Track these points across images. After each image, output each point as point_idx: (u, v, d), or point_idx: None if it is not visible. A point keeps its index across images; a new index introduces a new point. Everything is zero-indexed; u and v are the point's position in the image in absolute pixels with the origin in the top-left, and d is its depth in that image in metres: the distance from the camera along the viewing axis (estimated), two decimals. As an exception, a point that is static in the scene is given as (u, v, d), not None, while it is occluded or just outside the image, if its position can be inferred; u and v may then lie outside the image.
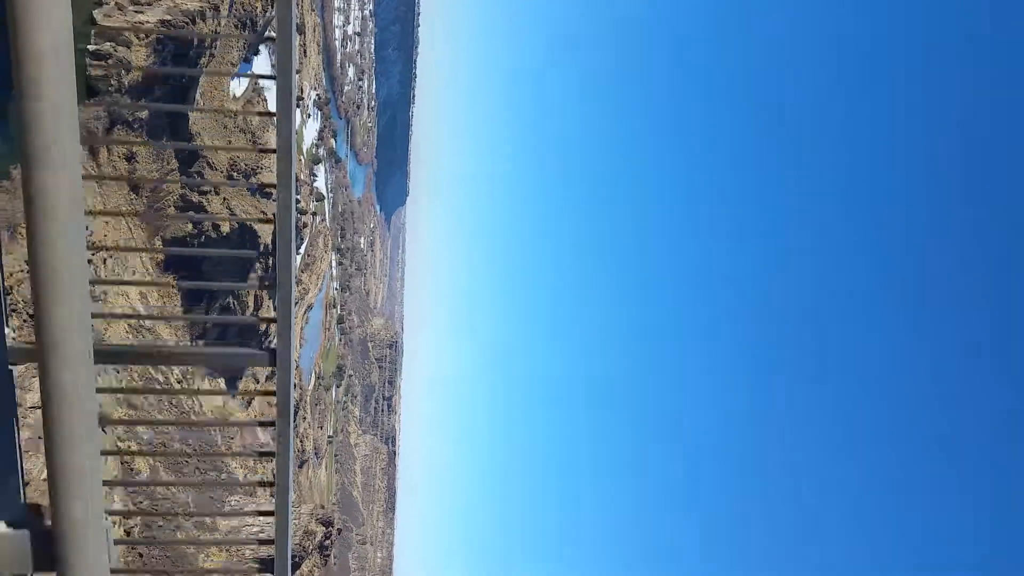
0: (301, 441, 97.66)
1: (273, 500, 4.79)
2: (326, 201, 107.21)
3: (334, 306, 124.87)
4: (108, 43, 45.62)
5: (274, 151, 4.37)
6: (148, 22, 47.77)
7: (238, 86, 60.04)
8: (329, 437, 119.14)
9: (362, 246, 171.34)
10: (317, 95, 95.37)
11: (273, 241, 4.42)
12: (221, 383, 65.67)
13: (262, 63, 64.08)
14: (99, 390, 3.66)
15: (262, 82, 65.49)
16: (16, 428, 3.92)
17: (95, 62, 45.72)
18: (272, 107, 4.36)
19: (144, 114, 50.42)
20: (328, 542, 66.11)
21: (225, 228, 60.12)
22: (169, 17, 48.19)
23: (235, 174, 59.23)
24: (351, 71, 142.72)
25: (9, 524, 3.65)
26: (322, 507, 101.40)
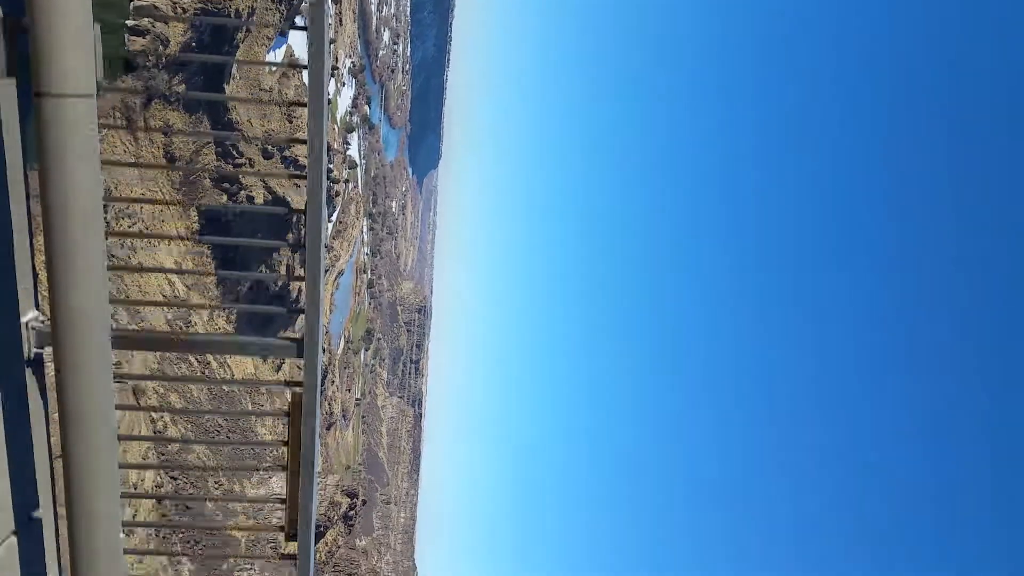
0: (329, 404, 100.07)
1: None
2: (359, 168, 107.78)
3: (364, 271, 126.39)
4: (146, 19, 46.12)
5: (304, 142, 4.33)
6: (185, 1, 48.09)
7: (275, 57, 60.32)
8: (357, 399, 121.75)
9: (394, 210, 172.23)
10: (352, 63, 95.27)
11: (305, 211, 4.38)
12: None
13: (298, 38, 64.13)
14: (117, 376, 3.68)
15: (298, 52, 65.63)
16: (46, 406, 3.79)
17: (133, 37, 46.33)
18: (304, 76, 4.31)
19: (181, 88, 51.12)
20: (353, 512, 68.25)
21: (259, 199, 61.06)
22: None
23: (269, 147, 59.92)
24: (386, 35, 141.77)
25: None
26: (348, 467, 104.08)
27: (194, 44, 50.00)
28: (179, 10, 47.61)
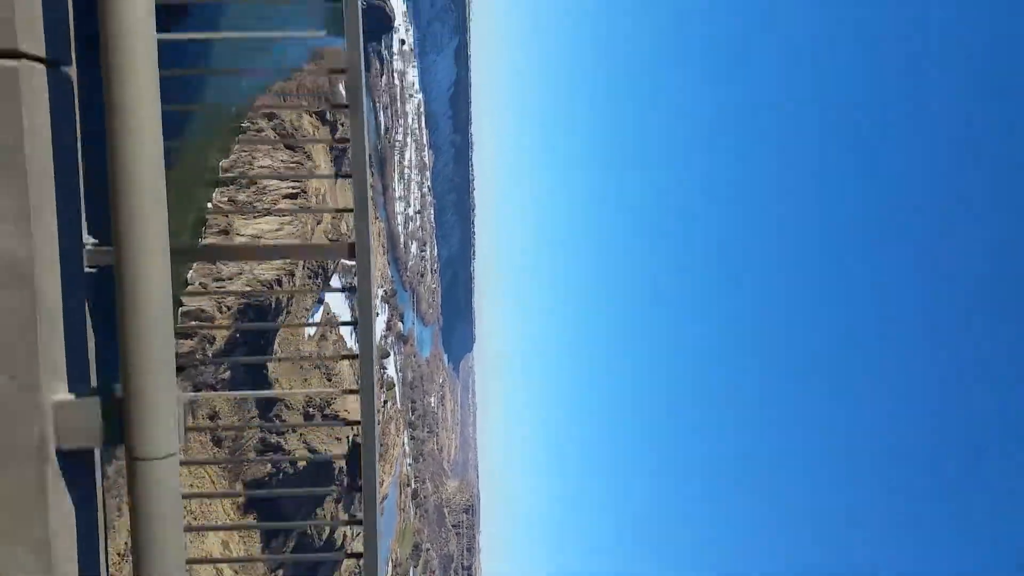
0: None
1: None
2: (396, 385, 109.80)
3: (408, 483, 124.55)
4: (194, 321, 49.41)
5: (356, 392, 4.65)
6: (230, 295, 51.75)
7: (311, 328, 63.77)
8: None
9: (433, 405, 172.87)
10: (384, 291, 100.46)
11: (349, 468, 4.20)
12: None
13: (334, 299, 68.16)
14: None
15: (335, 308, 69.26)
16: (87, 309, 3.72)
17: (181, 340, 49.39)
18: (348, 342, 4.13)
19: (227, 374, 53.59)
20: None
21: (301, 462, 61.74)
22: (249, 287, 52.08)
23: (311, 409, 61.53)
24: (414, 246, 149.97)
25: (78, 395, 3.48)
26: None
27: (238, 335, 53.01)
28: (224, 308, 51.01)
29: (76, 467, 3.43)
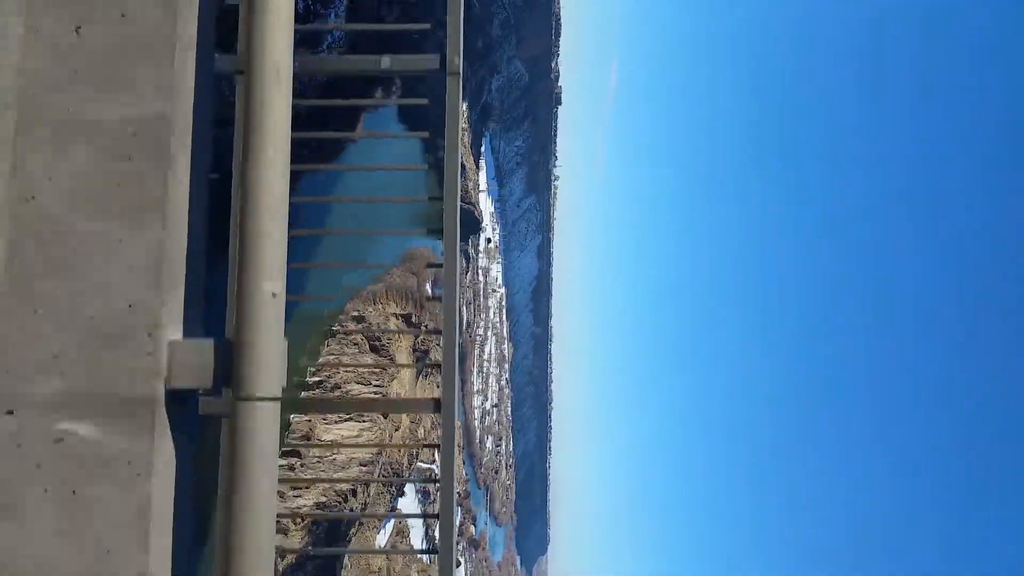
0: None
1: None
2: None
3: None
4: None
5: None
6: (305, 506, 49.69)
7: (384, 534, 60.46)
8: None
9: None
10: (459, 493, 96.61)
11: None
12: None
13: (407, 502, 65.35)
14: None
15: (405, 520, 65.91)
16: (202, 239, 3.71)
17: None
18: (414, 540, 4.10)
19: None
20: None
21: None
22: (324, 499, 50.01)
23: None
24: (489, 441, 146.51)
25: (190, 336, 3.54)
26: None
27: (310, 547, 50.15)
28: (298, 520, 48.70)
29: (180, 408, 3.46)
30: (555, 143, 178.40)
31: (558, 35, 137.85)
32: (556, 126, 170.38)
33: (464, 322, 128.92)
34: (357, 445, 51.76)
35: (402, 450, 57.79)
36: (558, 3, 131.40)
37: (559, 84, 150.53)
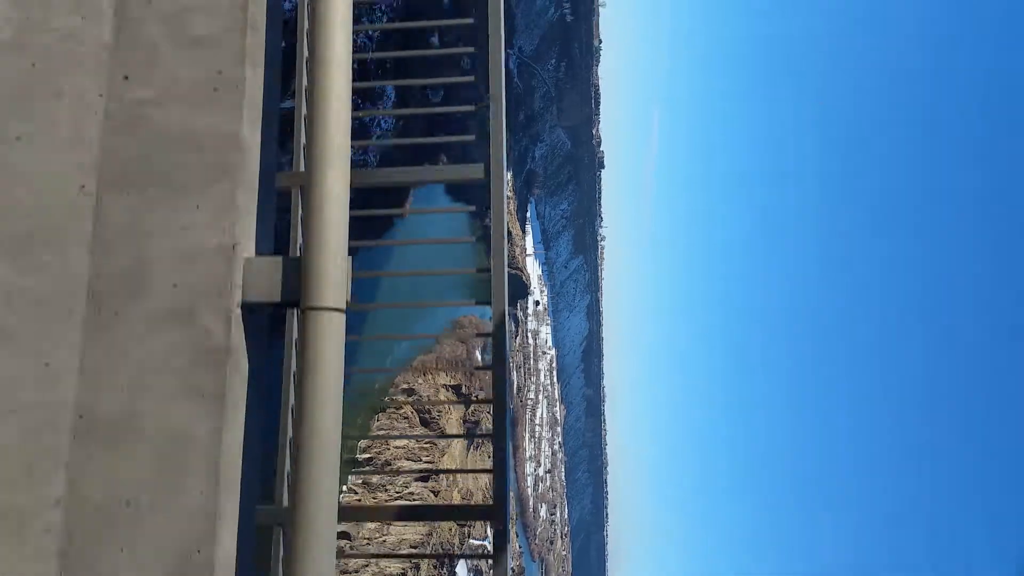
0: None
1: None
2: None
3: None
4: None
5: None
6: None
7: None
8: None
9: None
10: (512, 568, 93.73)
11: None
12: None
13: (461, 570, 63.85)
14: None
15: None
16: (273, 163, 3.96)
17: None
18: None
19: None
20: None
21: None
22: (373, 582, 49.10)
23: None
24: (543, 509, 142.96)
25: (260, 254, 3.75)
26: None
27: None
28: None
29: (253, 324, 3.65)
30: (599, 204, 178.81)
31: (598, 103, 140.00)
32: (600, 188, 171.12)
33: (514, 387, 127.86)
34: (407, 515, 51.09)
35: (453, 529, 56.56)
36: (596, 75, 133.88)
37: (601, 149, 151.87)
